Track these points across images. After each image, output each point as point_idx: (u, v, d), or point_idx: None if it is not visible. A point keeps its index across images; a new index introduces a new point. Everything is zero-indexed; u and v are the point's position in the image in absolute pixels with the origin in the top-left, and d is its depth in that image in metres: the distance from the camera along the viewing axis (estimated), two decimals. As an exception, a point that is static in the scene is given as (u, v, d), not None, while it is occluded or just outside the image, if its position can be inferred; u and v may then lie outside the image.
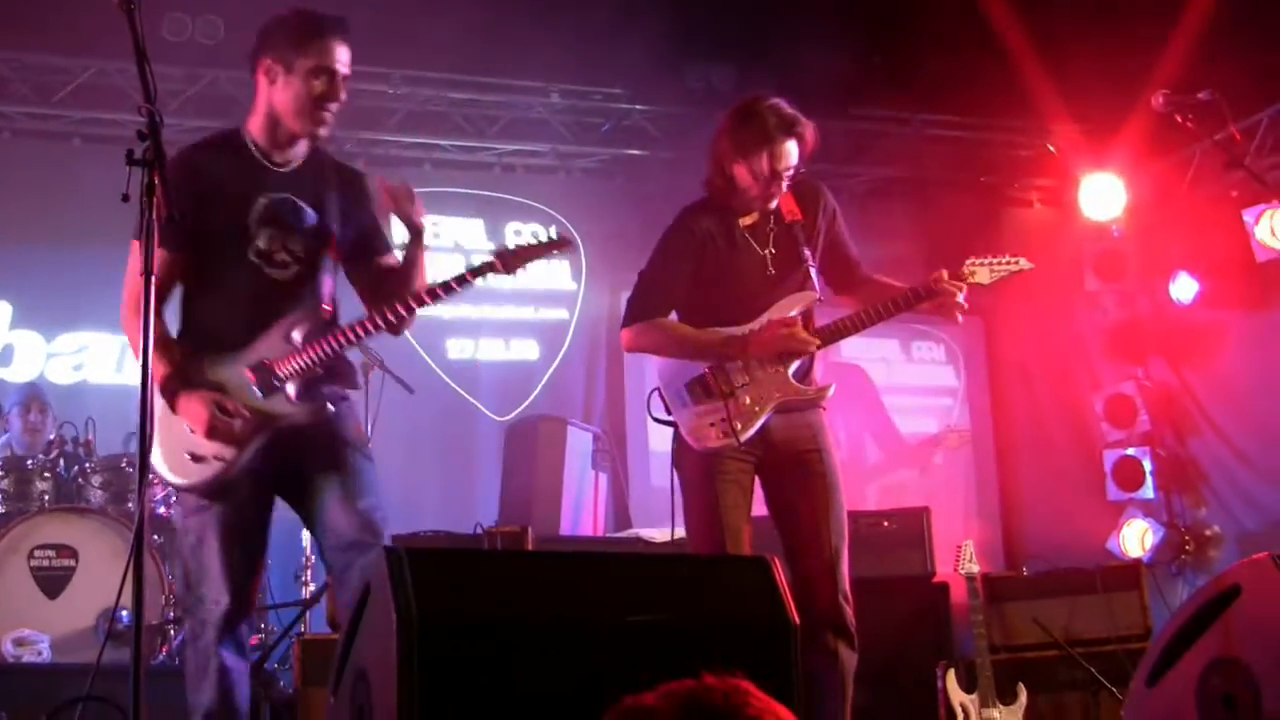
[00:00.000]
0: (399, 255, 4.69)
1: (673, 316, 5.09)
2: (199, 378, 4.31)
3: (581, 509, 8.70)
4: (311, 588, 7.77)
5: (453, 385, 9.95)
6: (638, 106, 9.99)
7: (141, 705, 3.19)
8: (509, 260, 4.54)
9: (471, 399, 9.98)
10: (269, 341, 4.38)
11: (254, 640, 7.50)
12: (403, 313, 4.40)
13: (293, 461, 4.41)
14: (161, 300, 4.32)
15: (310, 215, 4.48)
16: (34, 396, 8.06)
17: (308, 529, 4.52)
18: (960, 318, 5.00)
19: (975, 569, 6.72)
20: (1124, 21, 8.27)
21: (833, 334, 4.99)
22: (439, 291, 4.43)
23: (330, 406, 4.45)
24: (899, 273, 5.21)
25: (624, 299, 5.15)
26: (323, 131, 4.51)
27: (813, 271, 5.01)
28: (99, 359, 9.18)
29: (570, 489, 8.53)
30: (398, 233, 4.70)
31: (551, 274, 10.39)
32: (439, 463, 9.80)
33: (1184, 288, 9.92)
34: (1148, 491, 9.96)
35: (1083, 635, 6.78)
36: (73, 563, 6.91)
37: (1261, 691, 3.66)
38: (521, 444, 8.76)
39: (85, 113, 9.17)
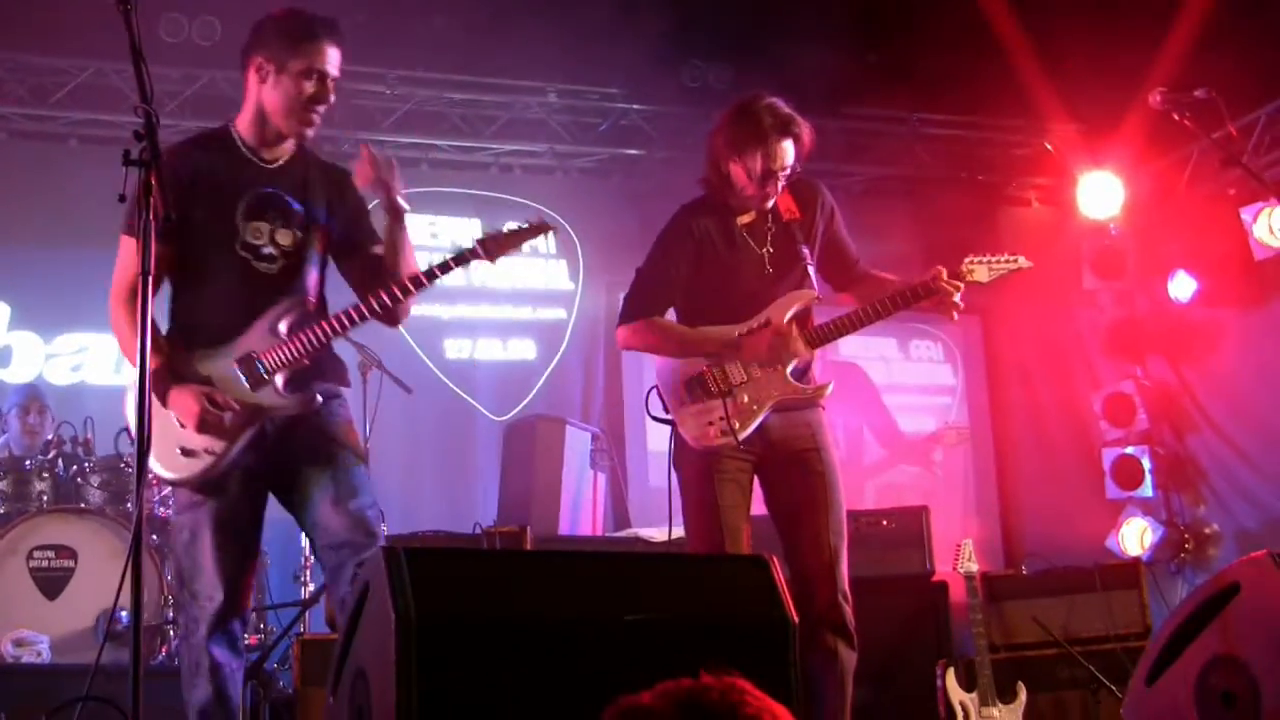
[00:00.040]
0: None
1: (670, 314, 5.09)
2: (188, 372, 4.33)
3: (580, 508, 8.70)
4: (311, 588, 7.76)
5: (451, 385, 9.95)
6: (635, 106, 9.99)
7: (141, 705, 3.19)
8: (491, 247, 4.54)
9: (470, 399, 9.98)
10: (255, 334, 4.40)
11: (253, 640, 7.51)
12: (386, 300, 4.41)
13: (283, 456, 4.43)
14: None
15: (297, 209, 4.50)
16: (33, 398, 8.07)
17: (300, 526, 4.52)
18: (955, 316, 5.00)
19: (974, 568, 6.73)
20: (1121, 19, 8.26)
21: (830, 332, 4.99)
22: (422, 279, 4.44)
23: (319, 398, 4.45)
24: (897, 272, 5.21)
25: (622, 298, 5.15)
26: (309, 132, 4.53)
27: (810, 270, 5.01)
28: (97, 359, 9.18)
29: (569, 488, 8.52)
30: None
31: (549, 274, 10.39)
32: (437, 463, 9.80)
33: (1182, 286, 9.92)
34: (1146, 490, 9.96)
35: (1082, 634, 6.79)
36: (72, 563, 6.91)
37: (1260, 689, 3.66)
38: (520, 444, 8.76)
39: (82, 114, 9.16)
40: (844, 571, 4.85)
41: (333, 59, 4.46)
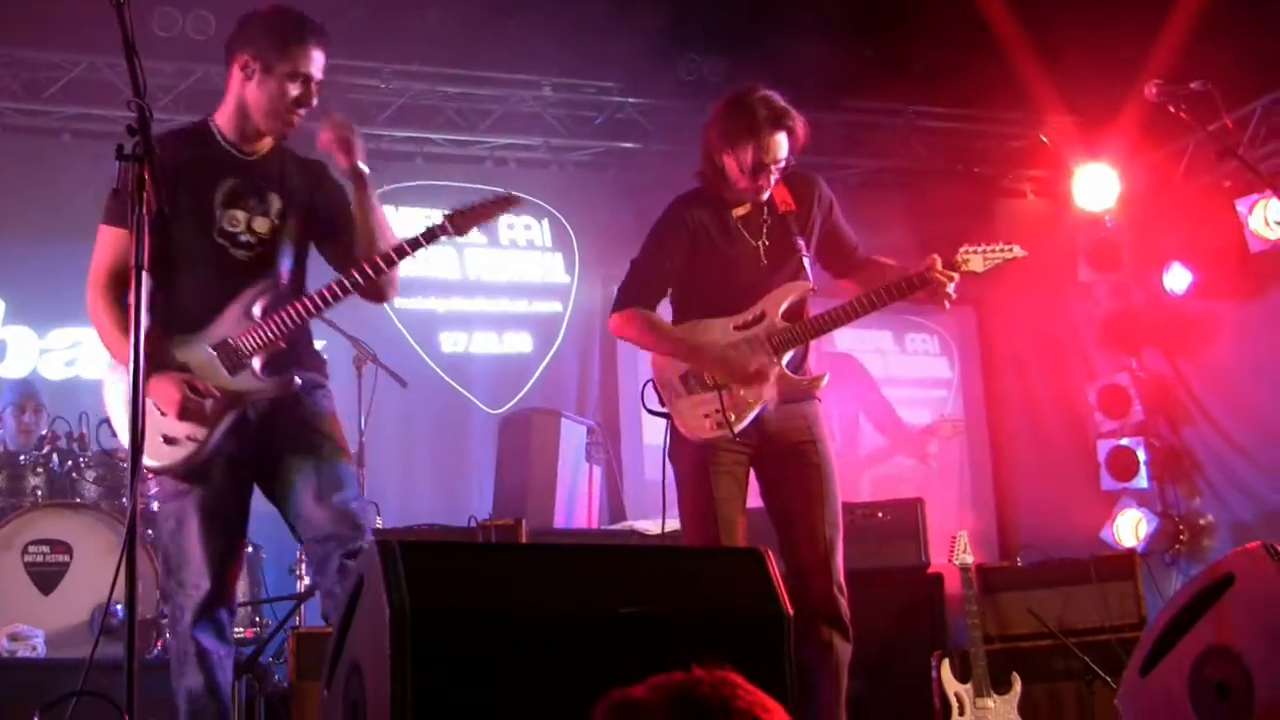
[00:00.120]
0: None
1: (665, 304, 5.09)
2: (166, 359, 4.34)
3: (575, 502, 8.70)
4: (306, 581, 7.76)
5: (446, 379, 9.94)
6: (630, 99, 9.97)
7: (136, 700, 3.19)
8: (459, 221, 4.55)
9: (465, 392, 9.97)
10: (230, 319, 4.42)
11: (249, 634, 7.51)
12: (359, 278, 4.41)
13: (266, 443, 4.45)
14: (127, 284, 4.35)
15: (275, 198, 4.52)
16: (29, 395, 8.06)
17: (283, 518, 4.52)
18: (948, 305, 5.00)
19: (969, 559, 6.73)
20: (1117, 12, 8.26)
21: (826, 324, 4.99)
22: (393, 256, 4.44)
23: (297, 380, 4.46)
24: (893, 264, 5.21)
25: (616, 289, 5.15)
26: (288, 132, 4.56)
27: (806, 262, 5.01)
28: (91, 354, 9.15)
29: (564, 482, 8.53)
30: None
31: (545, 267, 10.39)
32: (432, 456, 9.80)
33: (1178, 278, 9.93)
34: (1142, 481, 9.97)
35: (1077, 625, 6.79)
36: (67, 558, 6.90)
37: (1254, 679, 3.67)
38: (515, 437, 8.77)
39: (76, 108, 9.15)
40: (839, 564, 4.85)
41: (318, 62, 4.48)
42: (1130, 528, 9.90)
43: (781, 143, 4.86)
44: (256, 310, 4.42)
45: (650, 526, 7.39)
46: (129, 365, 4.23)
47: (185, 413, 4.31)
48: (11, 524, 6.88)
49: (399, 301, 9.75)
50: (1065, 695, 6.70)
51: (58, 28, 8.35)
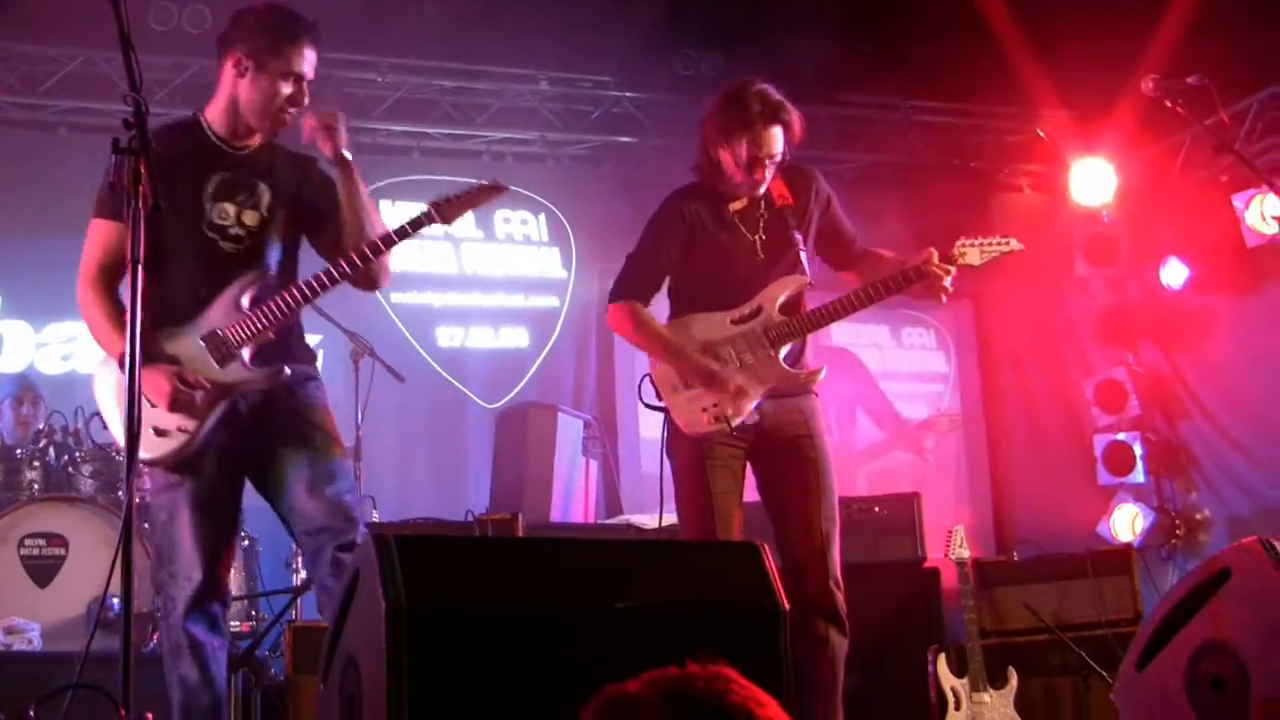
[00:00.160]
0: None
1: (663, 296, 5.09)
2: (155, 351, 4.33)
3: (572, 496, 8.70)
4: (302, 575, 7.75)
5: (443, 373, 9.94)
6: (627, 93, 9.97)
7: (132, 693, 3.19)
8: (445, 209, 4.57)
9: (462, 387, 9.97)
10: (219, 310, 4.43)
11: (245, 627, 7.51)
12: (346, 267, 4.42)
13: (257, 436, 4.46)
14: (117, 276, 4.42)
15: (264, 191, 4.53)
16: (27, 389, 8.06)
17: (276, 513, 4.52)
18: (944, 299, 5.00)
19: (966, 554, 6.73)
20: (1113, 6, 8.26)
21: (823, 318, 4.99)
22: (380, 245, 4.45)
23: (287, 370, 4.46)
24: (889, 260, 5.21)
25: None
26: (280, 130, 4.57)
27: (803, 255, 5.01)
28: (88, 348, 9.10)
29: (561, 476, 8.53)
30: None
31: (542, 261, 10.38)
32: (429, 451, 9.80)
33: (1174, 273, 9.94)
34: (1138, 476, 9.99)
35: (1073, 620, 6.79)
36: (63, 551, 6.91)
37: (1250, 674, 3.66)
38: (512, 431, 8.76)
39: (72, 102, 9.14)
40: (836, 558, 4.86)
41: (310, 61, 4.50)
42: (1127, 522, 9.91)
43: (776, 137, 4.86)
44: (245, 301, 4.43)
45: (647, 520, 7.39)
46: (119, 358, 4.25)
47: (175, 405, 4.32)
48: (7, 517, 6.89)
49: (395, 296, 9.76)
50: (1061, 690, 6.70)
51: (54, 22, 8.34)
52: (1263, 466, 9.38)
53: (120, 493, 7.21)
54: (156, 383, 4.29)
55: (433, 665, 3.03)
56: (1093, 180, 9.94)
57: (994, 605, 6.88)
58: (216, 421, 4.38)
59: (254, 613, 7.75)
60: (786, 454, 4.95)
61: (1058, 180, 10.30)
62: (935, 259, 4.92)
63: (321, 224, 4.62)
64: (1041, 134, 10.36)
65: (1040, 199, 10.83)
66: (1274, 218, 8.74)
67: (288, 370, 4.46)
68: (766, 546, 3.53)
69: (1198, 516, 9.92)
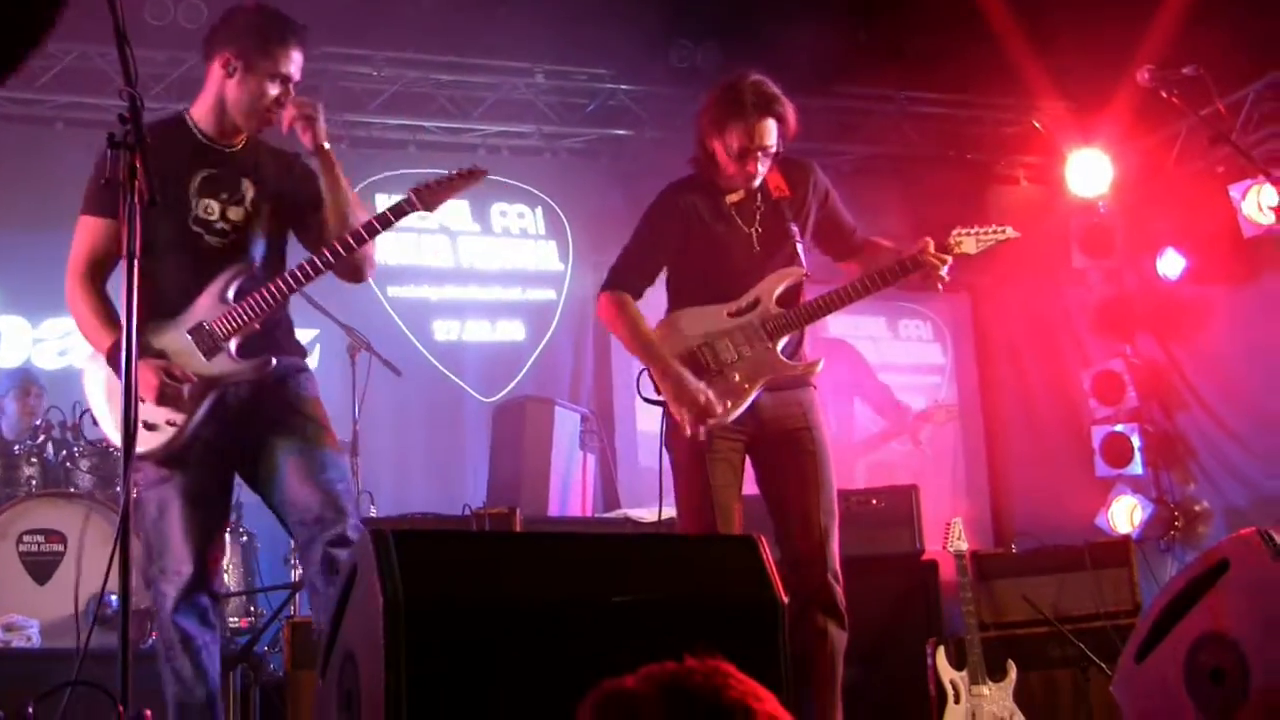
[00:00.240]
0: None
1: (660, 289, 5.09)
2: (142, 345, 4.32)
3: (570, 490, 8.70)
4: (300, 570, 7.76)
5: (439, 367, 9.94)
6: (623, 86, 9.96)
7: (130, 689, 3.19)
8: (426, 196, 4.58)
9: (458, 380, 9.97)
10: (204, 303, 4.44)
11: (244, 623, 7.51)
12: (329, 257, 4.43)
13: (247, 429, 4.47)
14: (106, 273, 4.45)
15: (249, 187, 4.55)
16: (30, 380, 8.08)
17: (267, 504, 4.52)
18: (941, 287, 5.01)
19: (964, 546, 6.73)
20: (1109, -3, 8.27)
21: (820, 309, 4.99)
22: (362, 233, 4.46)
23: (274, 360, 4.47)
24: (886, 251, 5.21)
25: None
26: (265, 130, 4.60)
27: (799, 248, 5.00)
28: (85, 344, 9.13)
29: (558, 470, 8.52)
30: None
31: (538, 255, 10.38)
32: (426, 445, 9.80)
33: (1171, 264, 9.94)
34: (1136, 467, 9.98)
35: (1072, 612, 6.79)
36: (61, 548, 6.90)
37: (1249, 665, 3.66)
38: (509, 425, 8.75)
39: (68, 97, 9.13)
40: (835, 551, 4.85)
41: (298, 63, 4.53)
42: (1125, 514, 9.91)
43: (770, 129, 4.85)
44: (230, 294, 4.45)
45: (645, 514, 7.38)
46: (107, 354, 4.25)
47: (163, 398, 4.33)
48: (6, 514, 6.88)
49: (392, 289, 9.75)
50: (1060, 682, 6.71)
51: (49, 17, 8.31)
52: (1259, 457, 9.39)
53: (118, 488, 7.21)
54: (144, 377, 4.29)
55: (431, 660, 3.03)
56: (1089, 171, 9.93)
57: (993, 598, 6.89)
58: (205, 414, 4.39)
59: (252, 608, 7.75)
60: (785, 447, 4.95)
61: (1054, 171, 10.29)
62: (931, 248, 4.93)
63: (306, 218, 4.63)
64: (1038, 125, 10.35)
65: (1037, 190, 10.82)
66: (1271, 208, 8.73)
67: (275, 361, 4.47)
68: (765, 540, 3.53)
69: (1196, 508, 9.92)
